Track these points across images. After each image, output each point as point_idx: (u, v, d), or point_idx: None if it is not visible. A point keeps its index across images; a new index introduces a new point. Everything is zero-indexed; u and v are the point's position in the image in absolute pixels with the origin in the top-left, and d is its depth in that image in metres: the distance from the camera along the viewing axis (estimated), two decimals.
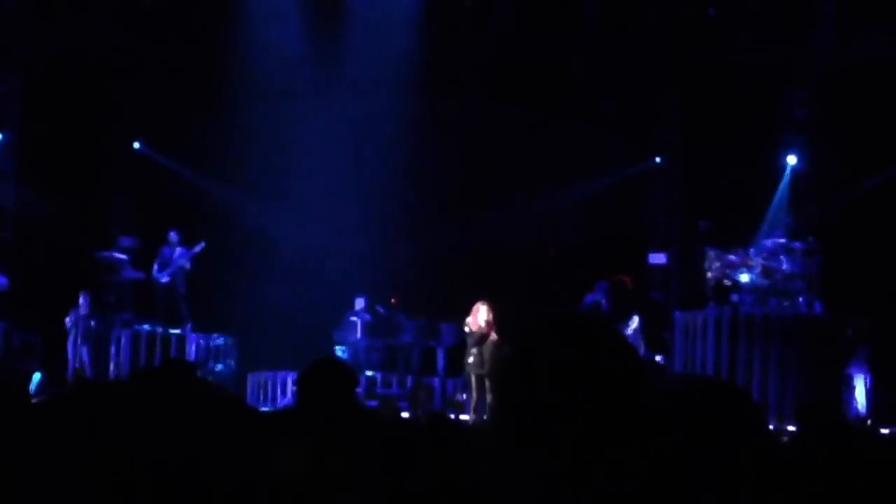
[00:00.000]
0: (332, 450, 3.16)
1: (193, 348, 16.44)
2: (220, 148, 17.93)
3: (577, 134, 17.91)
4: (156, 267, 16.54)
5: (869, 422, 13.45)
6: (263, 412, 6.17)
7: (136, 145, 18.56)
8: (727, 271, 15.17)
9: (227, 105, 17.49)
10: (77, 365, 15.73)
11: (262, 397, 16.00)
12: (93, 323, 16.09)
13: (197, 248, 16.45)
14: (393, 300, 17.25)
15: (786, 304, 14.90)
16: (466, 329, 14.00)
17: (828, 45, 16.71)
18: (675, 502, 1.84)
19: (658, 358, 15.95)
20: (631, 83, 18.07)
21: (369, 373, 15.99)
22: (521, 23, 17.72)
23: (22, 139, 17.38)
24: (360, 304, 16.71)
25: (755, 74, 17.03)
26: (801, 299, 14.92)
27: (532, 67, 17.94)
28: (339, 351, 16.13)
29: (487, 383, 13.45)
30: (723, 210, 16.28)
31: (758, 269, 15.08)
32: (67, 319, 16.04)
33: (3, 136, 17.31)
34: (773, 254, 15.18)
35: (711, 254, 15.24)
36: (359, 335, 16.50)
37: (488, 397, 13.67)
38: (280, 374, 16.21)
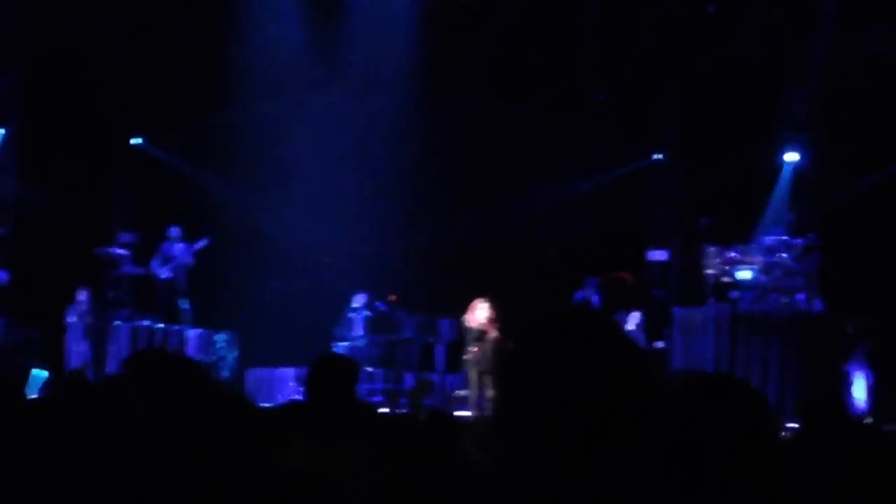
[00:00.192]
0: (338, 445, 3.16)
1: (193, 344, 16.43)
2: (220, 144, 17.91)
3: (578, 130, 17.91)
4: (157, 262, 16.54)
5: (869, 419, 13.44)
6: (267, 408, 6.16)
7: (137, 141, 18.55)
8: (727, 268, 15.17)
9: (228, 101, 17.48)
10: (79, 362, 15.72)
11: (261, 393, 15.98)
12: (92, 318, 16.08)
13: (199, 245, 16.44)
14: (392, 297, 17.25)
15: (785, 300, 14.91)
16: (465, 325, 14.00)
17: (828, 42, 16.70)
18: (680, 496, 1.84)
19: (659, 344, 15.94)
20: (631, 79, 18.06)
21: (369, 369, 15.98)
22: (521, 18, 17.71)
23: (22, 134, 17.36)
24: (359, 300, 16.70)
25: (755, 71, 17.02)
26: (800, 296, 14.92)
27: (532, 63, 17.93)
28: (339, 347, 16.13)
29: (487, 379, 13.46)
30: (723, 207, 16.28)
31: (758, 266, 15.08)
32: (67, 315, 16.03)
33: (4, 131, 17.30)
34: (772, 251, 15.18)
35: (711, 250, 15.24)
36: (359, 331, 16.50)
37: (488, 393, 13.67)
38: (279, 371, 16.21)
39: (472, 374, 13.84)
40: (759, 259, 15.14)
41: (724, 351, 14.50)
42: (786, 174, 17.30)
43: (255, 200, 18.55)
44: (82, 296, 16.03)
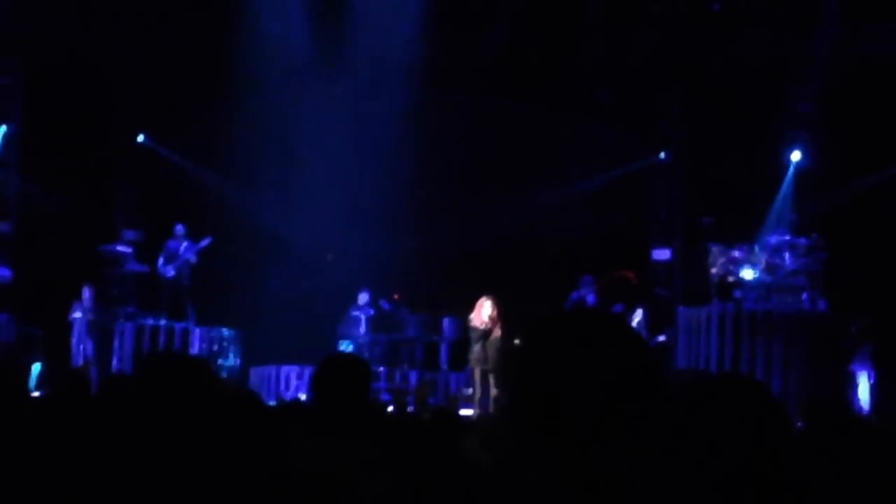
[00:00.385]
0: (346, 444, 3.15)
1: (197, 342, 16.45)
2: (223, 142, 17.90)
3: (581, 129, 17.89)
4: (161, 260, 16.55)
5: (872, 419, 13.43)
6: (275, 406, 6.16)
7: (141, 138, 18.55)
8: (731, 267, 15.16)
9: (231, 99, 17.47)
10: (82, 360, 15.73)
11: (264, 391, 15.99)
12: (96, 316, 16.09)
13: (203, 243, 16.45)
14: (395, 295, 17.25)
15: (789, 300, 14.89)
16: (470, 324, 14.00)
17: (832, 41, 16.68)
18: (689, 492, 1.84)
19: (660, 337, 15.93)
20: (635, 78, 18.04)
21: (372, 367, 16.00)
22: (524, 17, 17.70)
23: (26, 131, 17.37)
24: (363, 298, 16.71)
25: (759, 70, 17.00)
26: (804, 296, 14.90)
27: (536, 63, 17.92)
28: (343, 345, 16.13)
29: (491, 378, 13.46)
30: (726, 206, 16.27)
31: (761, 266, 15.07)
32: (71, 312, 16.05)
33: (7, 128, 17.31)
34: (776, 250, 15.18)
35: (715, 250, 15.23)
36: (362, 330, 16.51)
37: (492, 392, 13.67)
38: (283, 368, 16.22)
39: (476, 373, 13.85)
40: (762, 259, 15.13)
41: (727, 350, 14.50)
42: (789, 173, 17.28)
43: (259, 198, 18.55)
44: (86, 293, 16.05)
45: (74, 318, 16.02)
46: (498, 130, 17.90)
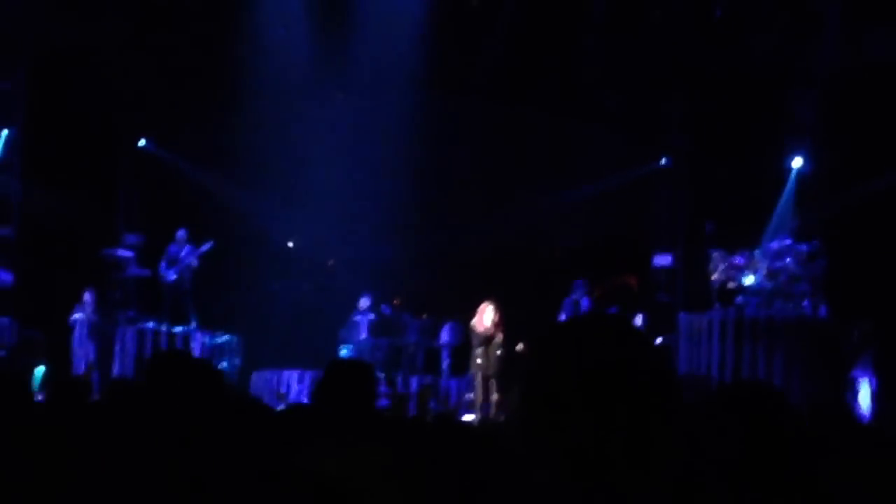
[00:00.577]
0: (350, 449, 3.15)
1: (198, 346, 16.45)
2: (225, 146, 17.92)
3: (583, 135, 17.91)
4: (163, 264, 16.56)
5: (874, 425, 13.42)
6: (278, 411, 6.16)
7: (143, 142, 18.57)
8: (732, 273, 15.16)
9: (233, 103, 17.49)
10: (84, 364, 15.74)
11: (265, 396, 15.99)
12: (98, 320, 16.10)
13: (204, 248, 16.47)
14: (397, 300, 17.25)
15: (791, 306, 14.89)
16: (472, 329, 14.01)
17: (834, 47, 16.68)
18: (699, 497, 1.84)
19: (658, 339, 15.93)
20: (637, 84, 18.05)
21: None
22: (527, 22, 17.71)
23: (28, 135, 17.38)
24: (364, 303, 16.72)
25: (762, 76, 17.01)
26: (806, 302, 14.90)
27: (538, 67, 17.93)
28: (344, 350, 16.13)
29: (493, 383, 13.47)
30: (728, 212, 16.26)
31: (763, 272, 15.07)
32: (72, 316, 16.05)
33: (9, 132, 17.31)
34: (778, 256, 15.17)
35: (716, 256, 15.24)
36: (363, 334, 16.51)
37: (494, 397, 13.68)
38: (284, 373, 16.22)
39: (478, 378, 13.85)
40: (764, 265, 15.13)
41: (728, 357, 14.49)
42: (791, 179, 17.29)
43: (260, 203, 18.56)
44: (88, 297, 16.06)
45: (75, 321, 16.03)
46: (500, 136, 17.92)
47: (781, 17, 16.89)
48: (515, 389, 12.64)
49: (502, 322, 13.85)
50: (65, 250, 16.68)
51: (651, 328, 16.10)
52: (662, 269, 18.47)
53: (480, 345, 13.79)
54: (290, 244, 18.76)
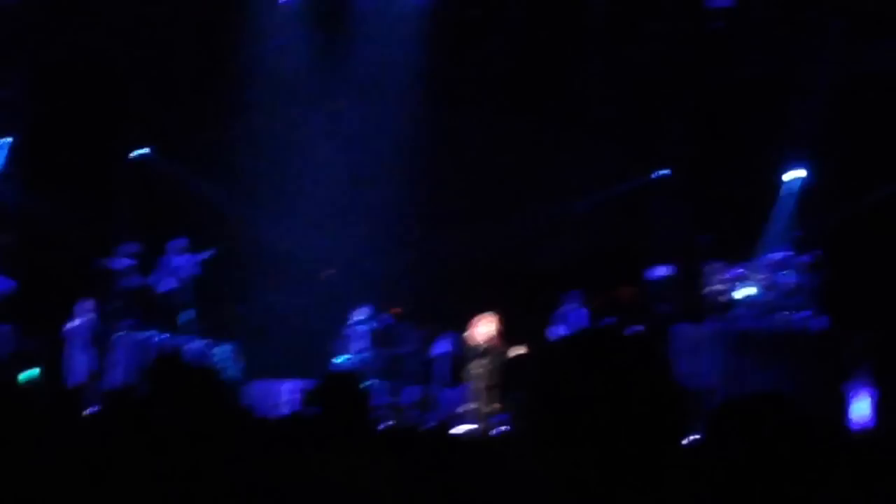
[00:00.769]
0: (345, 458, 3.15)
1: (195, 356, 16.41)
2: (223, 156, 17.93)
3: (581, 146, 17.93)
4: (161, 273, 16.55)
5: (873, 436, 13.40)
6: (274, 420, 6.18)
7: (143, 152, 18.57)
8: (729, 285, 15.16)
9: (232, 113, 17.51)
10: (81, 372, 15.71)
11: (261, 405, 15.95)
12: (96, 329, 16.08)
13: (205, 255, 16.47)
14: (392, 311, 17.24)
15: (789, 317, 14.88)
16: (466, 341, 14.02)
17: (834, 59, 16.71)
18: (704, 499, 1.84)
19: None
20: (635, 96, 18.07)
21: (372, 382, 15.96)
22: (525, 34, 17.73)
23: (28, 144, 17.38)
24: (363, 313, 16.70)
25: (760, 88, 17.03)
26: (804, 313, 14.89)
27: (537, 79, 17.95)
28: (342, 360, 16.11)
29: (492, 394, 13.46)
30: (726, 223, 16.27)
31: (761, 283, 15.06)
32: (69, 325, 16.03)
33: (9, 141, 17.32)
34: (776, 268, 15.17)
35: (714, 267, 15.23)
36: (362, 344, 16.48)
37: (492, 408, 13.67)
38: (281, 383, 16.17)
39: (477, 389, 13.84)
40: (762, 276, 15.12)
41: (725, 368, 14.46)
42: (790, 191, 17.28)
43: (258, 212, 18.56)
44: (85, 306, 16.03)
45: (70, 330, 16.00)
46: (497, 147, 17.93)
47: (781, 29, 16.93)
48: (515, 401, 12.63)
49: (501, 333, 13.85)
50: (63, 259, 16.67)
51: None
52: (659, 280, 18.45)
53: (477, 356, 13.78)
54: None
